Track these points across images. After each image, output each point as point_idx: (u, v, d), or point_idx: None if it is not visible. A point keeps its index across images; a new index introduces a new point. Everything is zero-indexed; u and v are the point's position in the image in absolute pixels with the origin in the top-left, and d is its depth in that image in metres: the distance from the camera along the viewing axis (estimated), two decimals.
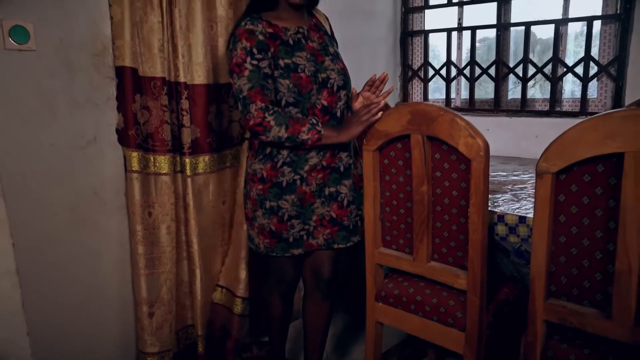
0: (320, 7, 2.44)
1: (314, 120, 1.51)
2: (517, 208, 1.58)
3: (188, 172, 1.90)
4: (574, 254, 1.22)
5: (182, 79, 1.86)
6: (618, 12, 2.29)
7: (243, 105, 1.46)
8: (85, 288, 1.77)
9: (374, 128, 1.59)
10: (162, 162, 1.82)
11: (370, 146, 1.59)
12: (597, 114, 1.11)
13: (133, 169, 1.76)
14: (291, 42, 1.56)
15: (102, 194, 1.77)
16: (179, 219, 1.93)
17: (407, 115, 1.48)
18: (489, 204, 1.62)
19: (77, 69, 1.65)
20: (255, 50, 1.46)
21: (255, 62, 1.46)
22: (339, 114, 1.63)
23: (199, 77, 1.95)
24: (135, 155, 1.76)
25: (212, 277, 2.14)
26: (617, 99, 2.34)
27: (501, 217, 1.51)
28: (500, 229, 1.51)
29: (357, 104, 1.70)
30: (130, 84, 1.73)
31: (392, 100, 3.07)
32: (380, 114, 1.52)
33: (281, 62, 1.52)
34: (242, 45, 1.46)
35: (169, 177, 1.84)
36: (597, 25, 2.39)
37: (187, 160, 1.89)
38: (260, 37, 1.49)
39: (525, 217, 1.48)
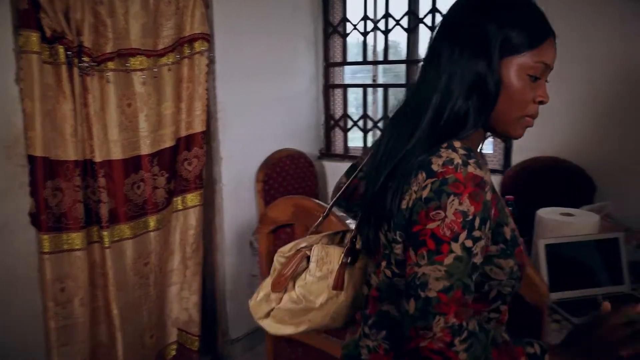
0: (241, 69, 2.63)
1: (535, 347, 0.86)
2: None
3: (106, 243, 2.04)
4: None
5: (97, 159, 2.00)
6: None
7: (420, 310, 0.80)
8: None
9: (265, 215, 1.77)
10: (76, 239, 1.94)
11: (263, 229, 1.78)
12: None
13: (44, 250, 1.88)
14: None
15: (16, 272, 1.88)
16: (96, 285, 2.06)
17: (292, 207, 1.67)
18: None
19: None
20: (477, 222, 0.81)
21: (470, 242, 0.81)
22: None
23: (115, 153, 2.09)
24: (46, 237, 1.88)
25: (136, 331, 2.27)
26: (507, 158, 2.63)
27: None
28: None
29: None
30: (41, 171, 1.84)
31: (316, 147, 3.27)
32: None
33: (506, 231, 0.93)
34: (462, 206, 0.80)
35: (82, 252, 1.96)
36: None
37: (105, 233, 2.03)
38: (488, 196, 0.84)
39: None
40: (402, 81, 3.00)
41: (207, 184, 2.53)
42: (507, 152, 2.62)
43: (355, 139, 3.26)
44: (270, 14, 2.83)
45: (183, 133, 2.35)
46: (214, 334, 2.73)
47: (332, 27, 3.16)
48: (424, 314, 0.80)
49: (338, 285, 1.05)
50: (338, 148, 3.27)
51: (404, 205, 0.87)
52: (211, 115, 2.53)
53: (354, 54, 3.23)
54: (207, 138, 2.50)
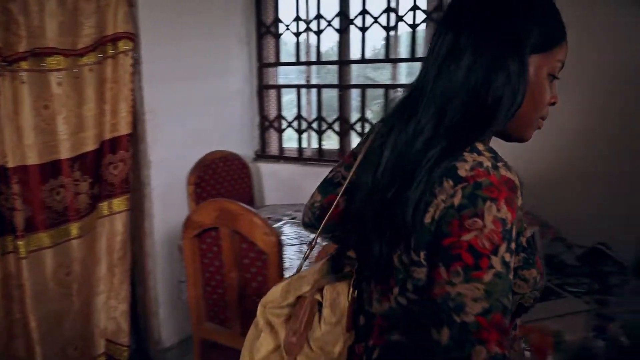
0: (170, 69, 2.56)
1: None
2: None
3: (22, 253, 1.93)
4: None
5: (10, 164, 1.89)
6: None
7: (455, 340, 0.68)
8: None
9: (189, 219, 1.73)
10: None
11: (188, 234, 1.73)
12: None
13: None
14: None
15: None
16: (11, 298, 1.95)
17: (216, 211, 1.64)
18: None
19: None
20: (513, 232, 0.73)
21: (508, 256, 0.71)
22: None
23: (31, 157, 1.99)
24: None
25: (58, 344, 2.17)
26: None
27: None
28: None
29: None
30: None
31: (251, 148, 3.23)
32: None
33: (522, 239, 0.86)
34: (500, 213, 0.71)
35: None
36: None
37: (21, 242, 1.93)
38: (519, 201, 0.76)
39: None
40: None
41: (135, 188, 2.45)
42: None
43: (290, 139, 3.25)
44: (200, 13, 2.77)
45: (107, 136, 2.26)
46: (146, 343, 2.64)
47: (265, 27, 3.14)
48: (460, 343, 0.66)
49: (352, 326, 0.90)
50: (273, 149, 3.25)
51: (427, 219, 0.74)
52: (138, 117, 2.45)
53: (290, 55, 3.22)
54: (134, 141, 2.41)
